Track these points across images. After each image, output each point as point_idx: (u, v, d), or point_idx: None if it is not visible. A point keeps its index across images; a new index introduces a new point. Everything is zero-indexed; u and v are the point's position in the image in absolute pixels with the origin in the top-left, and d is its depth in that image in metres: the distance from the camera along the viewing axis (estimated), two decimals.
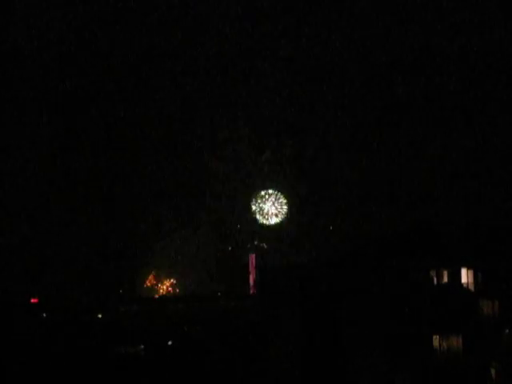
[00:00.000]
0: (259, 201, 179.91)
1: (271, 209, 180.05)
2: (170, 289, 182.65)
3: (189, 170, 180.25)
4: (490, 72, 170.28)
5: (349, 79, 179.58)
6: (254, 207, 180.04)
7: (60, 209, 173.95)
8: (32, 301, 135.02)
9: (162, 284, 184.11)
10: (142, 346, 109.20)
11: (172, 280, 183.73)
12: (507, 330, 75.26)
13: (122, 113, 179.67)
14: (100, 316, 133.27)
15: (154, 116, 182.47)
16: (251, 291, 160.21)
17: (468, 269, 75.59)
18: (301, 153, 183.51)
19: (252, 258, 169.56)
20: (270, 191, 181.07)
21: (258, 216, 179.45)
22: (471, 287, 75.64)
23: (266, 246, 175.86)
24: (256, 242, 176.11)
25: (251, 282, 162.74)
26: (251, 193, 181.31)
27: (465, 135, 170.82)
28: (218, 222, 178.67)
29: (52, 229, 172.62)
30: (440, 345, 74.71)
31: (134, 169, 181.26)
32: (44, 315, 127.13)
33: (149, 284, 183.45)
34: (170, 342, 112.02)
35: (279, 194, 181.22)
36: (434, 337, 74.66)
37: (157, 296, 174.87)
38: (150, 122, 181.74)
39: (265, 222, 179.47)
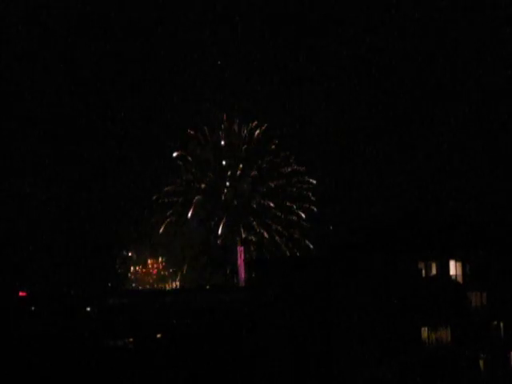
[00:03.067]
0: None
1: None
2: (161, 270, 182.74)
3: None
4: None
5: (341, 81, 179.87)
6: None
7: (43, 203, 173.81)
8: (20, 294, 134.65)
9: (150, 276, 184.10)
10: (131, 339, 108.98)
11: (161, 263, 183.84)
12: (495, 322, 75.59)
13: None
14: (88, 309, 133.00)
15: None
16: (241, 284, 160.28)
17: (456, 261, 75.86)
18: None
19: (240, 250, 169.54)
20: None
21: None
22: (459, 279, 75.90)
23: (254, 239, 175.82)
24: (244, 235, 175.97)
25: (241, 274, 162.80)
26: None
27: (455, 133, 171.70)
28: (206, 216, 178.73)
29: (36, 222, 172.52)
30: (429, 337, 74.97)
31: (123, 161, 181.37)
32: (32, 309, 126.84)
33: (137, 275, 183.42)
34: (158, 335, 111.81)
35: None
36: (423, 329, 74.89)
37: (144, 288, 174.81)
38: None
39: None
